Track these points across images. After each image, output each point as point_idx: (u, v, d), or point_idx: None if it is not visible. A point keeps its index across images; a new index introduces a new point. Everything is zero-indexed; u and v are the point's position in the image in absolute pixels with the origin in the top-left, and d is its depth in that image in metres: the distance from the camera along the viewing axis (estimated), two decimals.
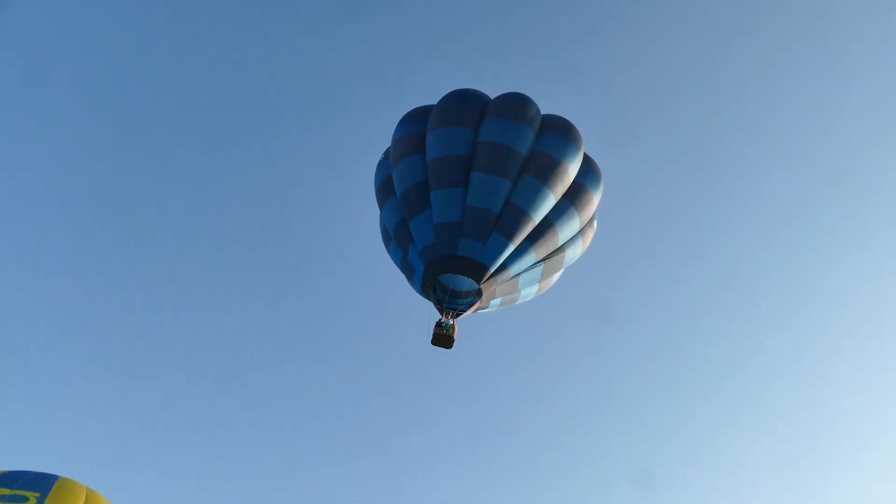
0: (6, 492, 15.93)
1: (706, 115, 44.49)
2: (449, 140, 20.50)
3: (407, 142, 21.29)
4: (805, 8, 43.87)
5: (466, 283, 19.98)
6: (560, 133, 21.03)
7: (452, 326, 19.97)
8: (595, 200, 21.43)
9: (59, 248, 39.59)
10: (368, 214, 22.97)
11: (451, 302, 20.20)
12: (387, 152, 22.27)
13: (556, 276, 22.03)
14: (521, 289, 21.20)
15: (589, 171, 21.36)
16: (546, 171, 20.31)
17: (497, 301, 21.00)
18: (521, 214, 19.95)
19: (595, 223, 22.06)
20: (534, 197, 20.08)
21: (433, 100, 21.65)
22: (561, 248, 21.08)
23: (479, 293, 20.04)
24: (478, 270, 19.75)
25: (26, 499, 15.95)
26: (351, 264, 38.64)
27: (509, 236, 19.87)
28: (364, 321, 38.86)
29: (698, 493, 39.42)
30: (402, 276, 21.62)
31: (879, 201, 43.60)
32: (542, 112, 21.63)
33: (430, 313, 20.44)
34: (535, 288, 21.58)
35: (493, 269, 19.85)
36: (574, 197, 20.85)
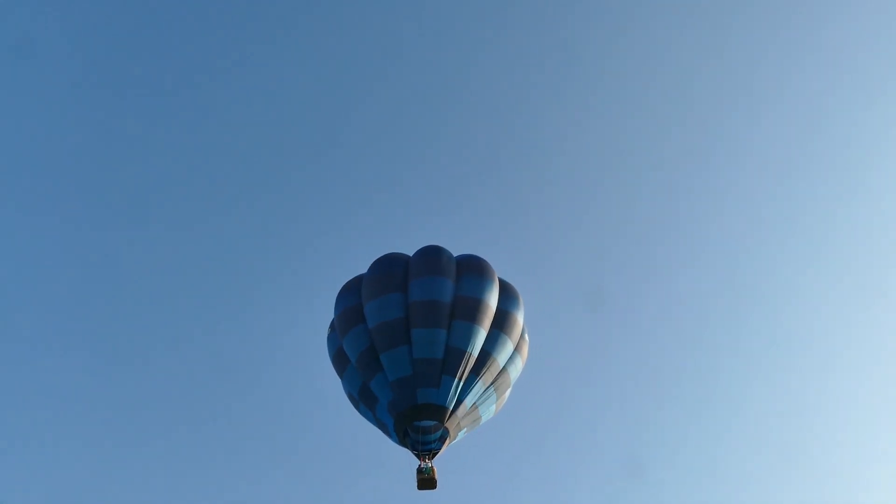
0: None
1: None
2: (384, 308, 23.57)
3: (349, 315, 24.28)
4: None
5: (434, 424, 22.85)
6: (474, 274, 24.35)
7: (432, 469, 22.69)
8: (520, 320, 24.65)
9: None
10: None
11: (425, 445, 22.99)
12: (332, 325, 25.23)
13: (508, 393, 25.00)
14: (481, 414, 24.10)
15: (507, 296, 24.64)
16: (471, 312, 23.52)
17: (463, 431, 23.87)
18: (462, 354, 23.01)
19: (526, 336, 25.15)
20: (467, 336, 23.20)
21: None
22: (504, 370, 24.10)
23: (446, 430, 22.93)
24: (439, 412, 22.65)
25: None
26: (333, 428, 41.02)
27: (456, 375, 22.86)
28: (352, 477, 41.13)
29: (688, 481, 41.74)
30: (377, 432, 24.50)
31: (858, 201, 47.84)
32: (455, 253, 25.16)
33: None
34: (492, 409, 24.50)
35: (451, 407, 22.80)
36: (502, 324, 24.01)
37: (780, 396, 45.61)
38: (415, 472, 22.75)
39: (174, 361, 43.59)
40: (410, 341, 23.05)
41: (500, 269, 25.15)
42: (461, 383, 22.88)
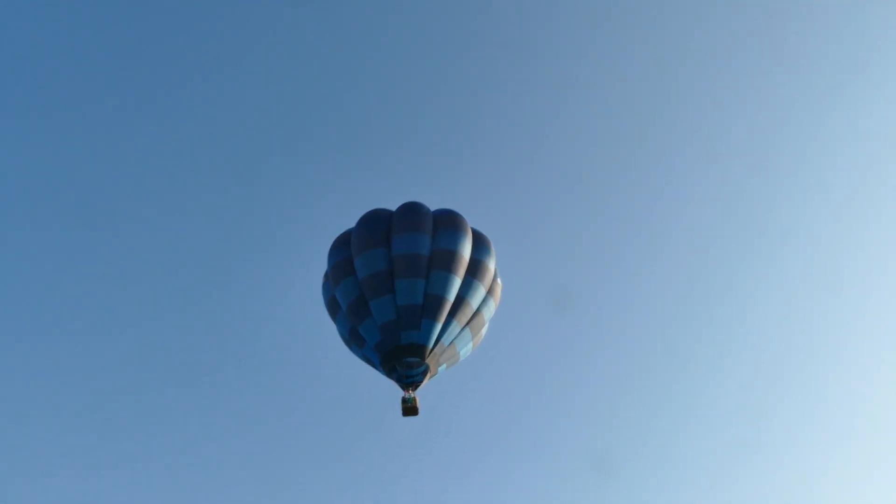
0: None
1: None
2: (371, 262, 26.79)
3: (340, 268, 27.54)
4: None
5: (416, 361, 26.42)
6: (449, 228, 27.40)
7: (414, 398, 26.34)
8: (491, 266, 27.86)
9: None
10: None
11: (409, 378, 26.60)
12: (326, 276, 28.56)
13: (484, 331, 28.41)
14: (458, 351, 27.57)
15: (480, 245, 27.77)
16: (447, 263, 26.75)
17: (443, 366, 27.42)
18: (439, 300, 26.37)
19: (499, 280, 28.43)
20: (444, 284, 26.50)
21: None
22: (477, 311, 27.45)
23: (427, 366, 26.52)
24: (420, 351, 26.18)
25: None
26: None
27: (435, 318, 26.27)
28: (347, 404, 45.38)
29: (657, 480, 44.08)
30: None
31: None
32: (432, 208, 28.22)
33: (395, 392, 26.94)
34: (469, 346, 27.94)
35: (431, 346, 26.33)
36: (475, 272, 27.26)
37: (750, 394, 47.17)
38: (400, 401, 26.40)
39: (190, 311, 47.30)
40: (394, 290, 26.36)
41: None
42: (439, 325, 26.30)
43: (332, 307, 27.89)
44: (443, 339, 26.57)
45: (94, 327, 45.82)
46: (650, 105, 51.83)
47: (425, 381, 26.84)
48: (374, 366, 27.39)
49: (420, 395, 26.68)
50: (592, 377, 47.31)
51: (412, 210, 27.96)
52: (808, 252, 50.47)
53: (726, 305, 49.18)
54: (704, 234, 50.68)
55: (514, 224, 49.70)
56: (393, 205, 28.53)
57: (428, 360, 26.32)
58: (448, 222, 27.72)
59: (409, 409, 26.22)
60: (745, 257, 50.17)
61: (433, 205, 28.52)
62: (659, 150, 51.18)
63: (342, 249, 27.89)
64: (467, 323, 27.21)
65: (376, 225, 27.69)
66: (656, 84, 51.81)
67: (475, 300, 27.23)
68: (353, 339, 27.25)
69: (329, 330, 28.81)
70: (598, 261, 50.18)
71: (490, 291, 27.86)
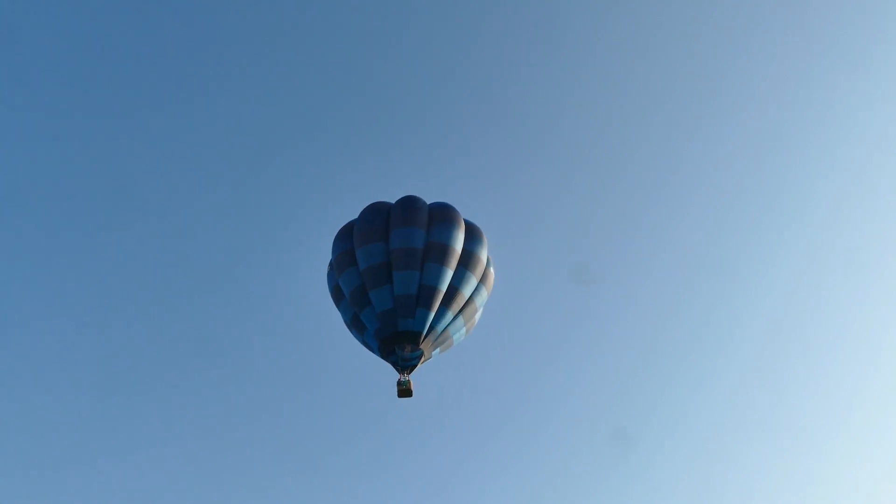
0: None
1: None
2: (371, 255, 28.87)
3: (343, 259, 29.66)
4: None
5: (411, 346, 28.58)
6: (443, 223, 29.35)
7: (409, 381, 28.56)
8: (483, 257, 29.78)
9: None
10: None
11: (404, 362, 28.83)
12: (331, 265, 30.74)
13: (477, 316, 30.44)
14: (452, 336, 29.65)
15: (472, 237, 29.69)
16: (440, 255, 28.73)
17: (437, 350, 29.58)
18: (433, 290, 28.42)
19: (491, 269, 30.38)
20: (437, 276, 28.54)
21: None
22: (470, 299, 29.46)
23: (421, 351, 28.70)
24: (415, 337, 28.30)
25: None
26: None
27: (429, 307, 28.36)
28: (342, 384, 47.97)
29: (676, 454, 46.10)
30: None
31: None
32: (440, 195, 30.20)
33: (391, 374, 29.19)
34: (462, 331, 30.01)
35: (424, 333, 28.46)
36: (467, 263, 29.21)
37: (764, 371, 48.81)
38: (395, 383, 28.62)
39: (207, 296, 49.90)
40: (392, 281, 28.46)
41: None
42: (432, 313, 28.39)
43: (337, 295, 30.04)
44: (436, 327, 28.68)
45: (105, 319, 48.51)
46: (670, 84, 53.89)
47: (419, 365, 29.05)
48: (372, 350, 29.61)
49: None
50: (606, 352, 49.41)
51: (409, 204, 29.89)
52: (828, 221, 51.85)
53: (748, 284, 51.04)
54: (725, 212, 52.44)
55: (516, 208, 52.04)
56: (400, 192, 30.56)
57: (422, 346, 28.47)
58: (441, 216, 29.62)
59: (404, 391, 28.39)
60: (762, 236, 52.11)
61: (440, 192, 30.56)
62: (667, 139, 52.73)
63: (345, 240, 29.96)
64: (460, 310, 29.21)
65: (376, 218, 29.69)
66: (665, 70, 53.58)
67: (467, 289, 29.23)
68: (355, 326, 29.45)
69: (333, 316, 31.07)
70: (611, 240, 52.18)
71: (482, 280, 29.80)
